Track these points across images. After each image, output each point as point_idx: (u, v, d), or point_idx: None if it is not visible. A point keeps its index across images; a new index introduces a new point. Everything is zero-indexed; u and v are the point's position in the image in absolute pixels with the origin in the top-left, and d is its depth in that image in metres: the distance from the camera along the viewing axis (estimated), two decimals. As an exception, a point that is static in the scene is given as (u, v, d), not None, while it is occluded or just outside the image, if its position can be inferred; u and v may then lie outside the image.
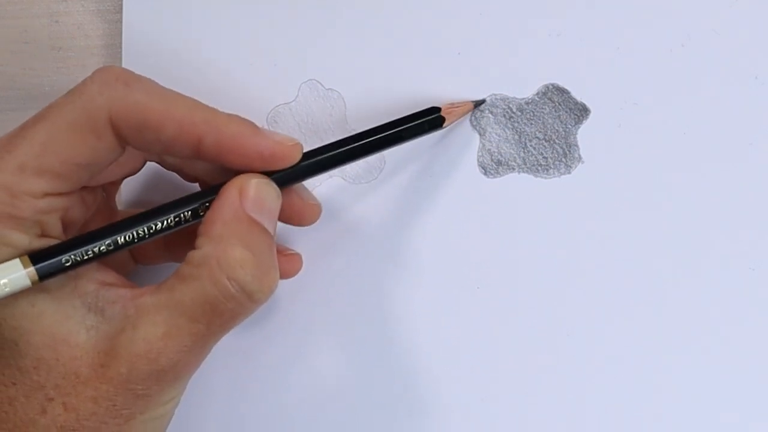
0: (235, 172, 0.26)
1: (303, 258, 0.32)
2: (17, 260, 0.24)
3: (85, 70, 0.35)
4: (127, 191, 0.33)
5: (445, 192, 0.32)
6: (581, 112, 0.32)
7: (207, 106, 0.26)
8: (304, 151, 0.27)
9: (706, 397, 0.31)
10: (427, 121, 0.30)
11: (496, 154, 0.32)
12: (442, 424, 0.32)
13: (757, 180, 0.31)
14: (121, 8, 0.34)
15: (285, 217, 0.29)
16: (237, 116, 0.26)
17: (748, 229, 0.31)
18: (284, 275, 0.31)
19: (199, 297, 0.25)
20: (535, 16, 0.32)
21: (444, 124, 0.30)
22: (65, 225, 0.26)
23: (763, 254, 0.31)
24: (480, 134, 0.33)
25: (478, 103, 0.32)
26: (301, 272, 0.32)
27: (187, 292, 0.25)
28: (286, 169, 0.27)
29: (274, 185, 0.27)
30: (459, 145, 0.32)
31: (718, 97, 0.31)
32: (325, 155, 0.28)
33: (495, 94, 0.32)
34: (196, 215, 0.26)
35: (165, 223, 0.26)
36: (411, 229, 0.32)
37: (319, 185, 0.33)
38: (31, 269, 0.24)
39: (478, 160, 0.32)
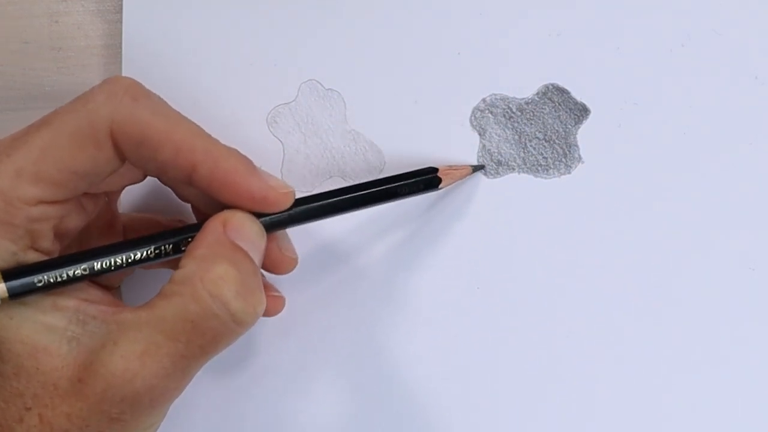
0: (224, 207, 0.26)
1: (304, 252, 0.32)
2: None
3: (85, 70, 0.35)
4: (127, 196, 0.33)
5: (445, 192, 0.32)
6: (581, 112, 0.32)
7: (209, 137, 0.26)
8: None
9: (705, 396, 0.31)
10: (423, 180, 0.29)
11: (496, 154, 0.32)
12: (442, 423, 0.32)
13: (757, 180, 0.31)
14: (121, 8, 0.34)
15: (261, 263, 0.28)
16: (236, 152, 0.26)
17: (748, 229, 0.31)
18: (266, 314, 0.29)
19: (180, 314, 0.24)
20: (535, 16, 0.32)
21: (440, 186, 0.30)
22: (61, 233, 0.26)
23: (763, 254, 0.31)
24: (480, 134, 0.33)
25: (476, 168, 0.32)
26: (300, 268, 0.32)
27: (168, 309, 0.24)
28: (273, 214, 0.27)
29: (260, 224, 0.26)
30: (459, 145, 0.32)
31: (718, 97, 0.31)
32: (315, 205, 0.27)
33: (495, 94, 0.32)
34: (177, 250, 0.26)
35: (144, 254, 0.26)
36: (411, 229, 0.32)
37: (319, 185, 0.33)
38: (2, 286, 0.24)
39: (478, 160, 0.32)
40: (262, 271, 0.28)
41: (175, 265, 0.26)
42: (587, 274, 0.32)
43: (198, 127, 0.26)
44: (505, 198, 0.32)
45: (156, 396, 0.24)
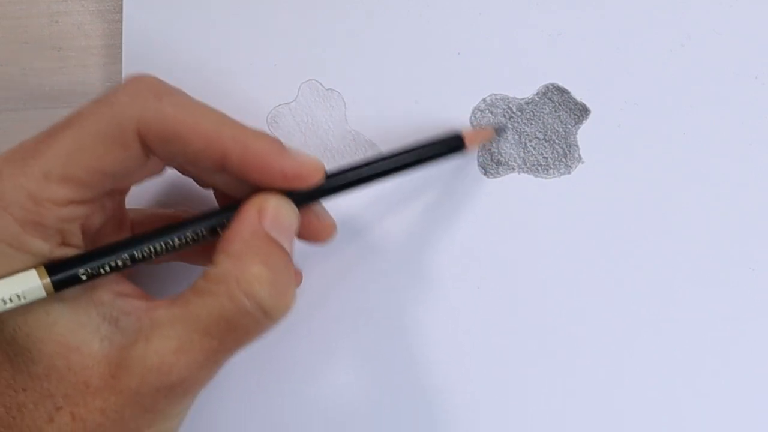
0: (255, 188, 0.27)
1: (302, 253, 0.32)
2: (33, 271, 0.24)
3: (85, 70, 0.35)
4: (134, 190, 0.33)
5: (445, 192, 0.32)
6: (581, 112, 0.32)
7: (235, 122, 0.26)
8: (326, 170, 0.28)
9: (705, 396, 0.31)
10: (449, 144, 0.30)
11: (496, 154, 0.32)
12: (441, 423, 0.32)
13: (757, 180, 0.31)
14: (121, 8, 0.34)
15: (300, 234, 0.29)
16: (264, 133, 0.26)
17: (748, 229, 0.31)
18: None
19: (215, 312, 0.25)
20: (535, 16, 0.32)
21: (466, 149, 0.30)
22: (84, 231, 0.26)
23: (763, 254, 0.31)
24: (480, 134, 0.33)
25: (498, 130, 0.32)
26: (301, 268, 0.32)
27: (203, 307, 0.25)
28: (306, 190, 0.27)
29: (293, 205, 0.27)
30: (459, 145, 0.32)
31: (718, 97, 0.31)
32: (346, 177, 0.28)
33: (495, 94, 0.32)
34: (214, 232, 0.26)
35: (183, 239, 0.26)
36: (411, 230, 0.32)
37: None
38: (47, 281, 0.24)
39: (478, 160, 0.32)
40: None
41: (188, 260, 0.26)
42: (587, 273, 0.32)
43: (222, 114, 0.26)
44: (505, 198, 0.32)
45: (189, 386, 0.25)
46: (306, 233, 0.29)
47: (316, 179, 0.27)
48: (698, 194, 0.31)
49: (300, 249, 0.33)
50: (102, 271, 0.25)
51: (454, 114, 0.32)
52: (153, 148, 0.25)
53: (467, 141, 0.30)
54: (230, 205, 0.27)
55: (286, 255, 0.26)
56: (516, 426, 0.32)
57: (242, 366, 0.33)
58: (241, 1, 0.33)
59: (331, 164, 0.33)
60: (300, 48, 0.33)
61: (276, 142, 0.26)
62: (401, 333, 0.32)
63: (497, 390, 0.32)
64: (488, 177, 0.32)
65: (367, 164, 0.28)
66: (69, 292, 0.25)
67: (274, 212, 0.26)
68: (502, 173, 0.32)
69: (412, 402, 0.32)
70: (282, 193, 0.27)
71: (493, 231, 0.32)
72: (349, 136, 0.33)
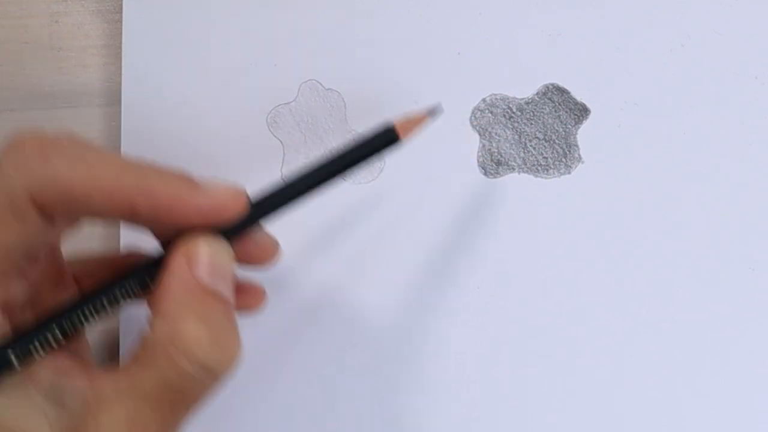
0: (179, 229, 0.25)
1: (302, 253, 0.32)
2: None
3: (85, 70, 0.35)
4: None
5: (445, 192, 0.32)
6: (581, 112, 0.32)
7: (138, 166, 0.24)
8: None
9: (705, 396, 0.31)
10: (382, 141, 0.26)
11: (496, 154, 0.32)
12: (442, 423, 0.32)
13: (757, 180, 0.31)
14: (121, 8, 0.34)
15: (240, 261, 0.27)
16: (171, 173, 0.24)
17: (748, 229, 0.31)
18: (247, 311, 0.29)
19: (160, 382, 0.23)
20: (536, 15, 0.32)
21: (401, 139, 0.26)
22: (8, 306, 0.25)
23: (763, 254, 0.31)
24: (480, 134, 0.33)
25: (432, 112, 0.27)
26: (298, 269, 0.32)
27: (146, 377, 0.23)
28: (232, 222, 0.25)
29: (224, 242, 0.25)
30: (459, 145, 0.32)
31: (718, 97, 0.31)
32: (274, 197, 0.25)
33: (495, 94, 0.32)
34: (146, 286, 0.25)
35: (114, 301, 0.25)
36: (411, 230, 0.32)
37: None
38: None
39: (478, 160, 0.32)
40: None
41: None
42: (587, 273, 0.32)
43: (122, 159, 0.24)
44: (505, 198, 0.32)
45: None
46: (247, 259, 0.27)
47: (237, 210, 0.25)
48: (698, 194, 0.31)
49: (297, 248, 0.33)
50: (35, 354, 0.24)
51: (454, 114, 0.32)
52: (52, 212, 0.24)
53: (400, 131, 0.26)
54: (157, 257, 0.25)
55: (225, 303, 0.25)
56: (516, 426, 0.32)
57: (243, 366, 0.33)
58: (241, 1, 0.33)
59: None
60: (300, 48, 0.33)
61: (184, 180, 0.24)
62: (401, 333, 0.32)
63: (497, 390, 0.32)
64: (488, 177, 0.32)
65: (297, 179, 0.25)
66: (5, 378, 0.23)
67: (205, 258, 0.24)
68: (502, 173, 0.32)
69: (412, 402, 0.32)
70: (209, 230, 0.25)
71: (493, 231, 0.32)
72: (349, 136, 0.33)
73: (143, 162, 0.24)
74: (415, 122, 0.27)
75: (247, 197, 0.25)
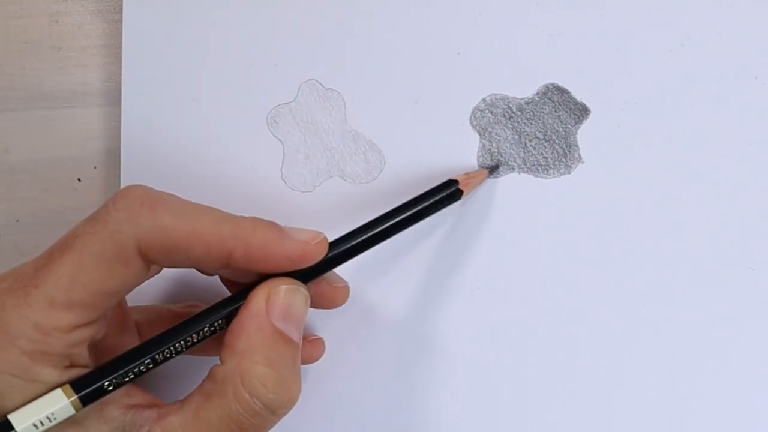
0: (262, 274, 0.27)
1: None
2: (59, 390, 0.24)
3: (85, 70, 0.35)
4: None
5: (445, 192, 0.32)
6: (581, 112, 0.32)
7: (231, 217, 0.26)
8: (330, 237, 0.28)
9: (705, 396, 0.31)
10: (446, 195, 0.30)
11: (496, 154, 0.32)
12: (441, 424, 0.32)
13: (757, 180, 0.31)
14: (121, 8, 0.34)
15: (313, 303, 0.29)
16: (260, 221, 0.26)
17: (748, 229, 0.31)
18: (307, 361, 0.31)
19: (225, 415, 0.25)
20: (535, 16, 0.32)
21: (462, 196, 0.30)
22: (90, 348, 0.26)
23: (763, 254, 0.31)
24: (480, 134, 0.33)
25: (492, 170, 0.32)
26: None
27: (212, 411, 0.25)
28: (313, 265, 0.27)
29: (303, 289, 0.27)
30: (459, 145, 0.32)
31: (718, 97, 0.31)
32: (351, 244, 0.28)
33: (495, 94, 0.32)
34: (229, 322, 0.27)
35: (201, 334, 0.26)
36: (410, 229, 0.32)
37: (319, 185, 0.33)
38: (74, 398, 0.24)
39: (478, 160, 0.32)
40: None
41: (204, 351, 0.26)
42: (587, 273, 0.32)
43: (218, 211, 0.26)
44: (505, 198, 0.32)
45: None
46: (320, 302, 0.29)
47: (320, 255, 0.27)
48: (698, 194, 0.31)
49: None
50: (126, 378, 0.25)
51: (454, 114, 0.32)
52: (154, 260, 0.25)
53: (462, 186, 0.30)
54: (240, 293, 0.27)
55: (293, 347, 0.26)
56: (516, 426, 0.32)
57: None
58: (241, 1, 0.33)
59: (331, 164, 0.33)
60: (300, 48, 0.33)
61: (275, 229, 0.26)
62: (400, 333, 0.32)
63: (497, 390, 0.32)
64: (488, 177, 0.32)
65: (369, 227, 0.28)
66: (79, 413, 0.25)
67: (283, 301, 0.26)
68: (502, 173, 0.32)
69: (411, 401, 0.32)
70: (289, 277, 0.27)
71: (493, 231, 0.32)
72: (349, 136, 0.33)
73: (237, 215, 0.26)
74: (476, 178, 0.31)
75: (327, 243, 0.27)
